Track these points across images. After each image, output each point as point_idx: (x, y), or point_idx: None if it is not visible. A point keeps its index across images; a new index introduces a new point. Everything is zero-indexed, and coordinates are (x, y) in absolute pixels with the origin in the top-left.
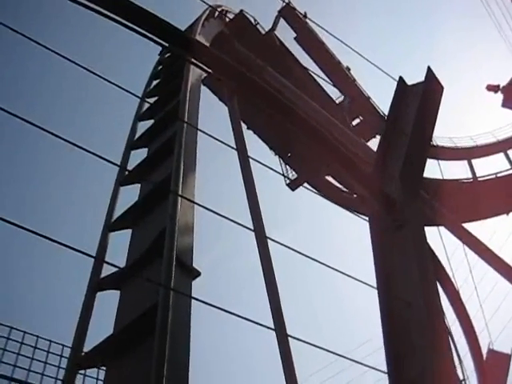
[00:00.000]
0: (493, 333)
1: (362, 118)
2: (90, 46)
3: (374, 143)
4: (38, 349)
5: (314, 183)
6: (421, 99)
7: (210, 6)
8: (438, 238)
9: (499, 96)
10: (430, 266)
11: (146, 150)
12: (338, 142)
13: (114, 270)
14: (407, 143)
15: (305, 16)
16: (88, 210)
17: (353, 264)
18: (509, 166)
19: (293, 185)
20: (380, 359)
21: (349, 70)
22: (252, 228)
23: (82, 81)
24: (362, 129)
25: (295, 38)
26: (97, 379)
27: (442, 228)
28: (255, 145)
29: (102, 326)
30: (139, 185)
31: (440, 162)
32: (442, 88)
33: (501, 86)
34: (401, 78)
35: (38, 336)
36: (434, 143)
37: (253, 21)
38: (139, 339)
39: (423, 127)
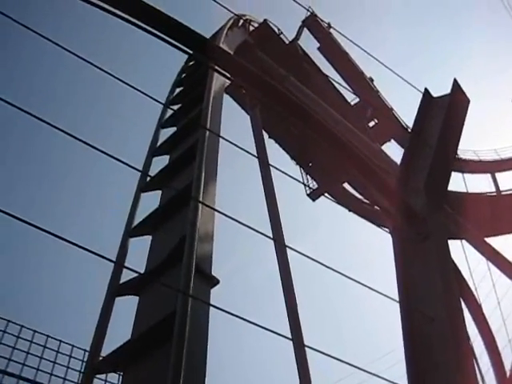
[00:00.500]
0: None
1: (376, 120)
2: (116, 54)
3: (386, 147)
4: (60, 353)
5: (334, 193)
6: (446, 111)
7: (235, 14)
8: (461, 252)
9: None
10: (454, 280)
11: (167, 156)
12: (360, 153)
13: (133, 275)
14: (432, 155)
15: (329, 26)
16: (109, 216)
17: (375, 276)
18: None
19: (313, 195)
20: (402, 371)
21: (372, 80)
22: (272, 237)
23: (109, 88)
24: (376, 131)
25: (318, 48)
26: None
27: (464, 242)
28: (276, 153)
29: (119, 331)
30: (160, 191)
31: (463, 175)
32: (468, 101)
33: None
34: (426, 89)
35: (60, 340)
36: (458, 156)
37: (276, 30)
38: (157, 345)
39: (448, 139)
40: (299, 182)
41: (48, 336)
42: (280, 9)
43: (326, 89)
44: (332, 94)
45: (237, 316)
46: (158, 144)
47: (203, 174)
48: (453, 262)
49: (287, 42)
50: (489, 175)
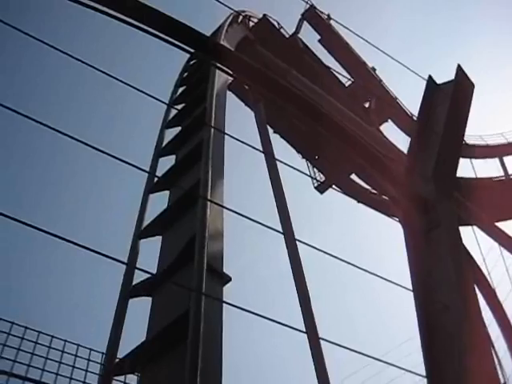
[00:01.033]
0: None
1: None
2: (115, 55)
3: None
4: (79, 357)
5: (342, 185)
6: (451, 97)
7: (235, 10)
8: (472, 238)
9: None
10: (467, 267)
11: (173, 156)
12: (366, 143)
13: (145, 276)
14: (439, 142)
15: (329, 18)
16: (118, 218)
17: (387, 266)
18: None
19: (321, 187)
20: (420, 359)
21: (374, 70)
22: (281, 231)
23: (111, 90)
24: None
25: (319, 41)
26: None
27: (475, 228)
28: (282, 148)
29: (133, 332)
30: (168, 192)
31: (471, 160)
32: (473, 85)
33: None
34: (430, 76)
35: (78, 344)
36: (465, 142)
37: (276, 25)
38: (172, 345)
39: (455, 126)
40: (306, 175)
41: (66, 341)
42: (279, 4)
43: (327, 80)
44: (335, 86)
45: (250, 312)
46: (164, 144)
47: (210, 172)
48: (465, 248)
49: (287, 36)
50: (497, 159)
